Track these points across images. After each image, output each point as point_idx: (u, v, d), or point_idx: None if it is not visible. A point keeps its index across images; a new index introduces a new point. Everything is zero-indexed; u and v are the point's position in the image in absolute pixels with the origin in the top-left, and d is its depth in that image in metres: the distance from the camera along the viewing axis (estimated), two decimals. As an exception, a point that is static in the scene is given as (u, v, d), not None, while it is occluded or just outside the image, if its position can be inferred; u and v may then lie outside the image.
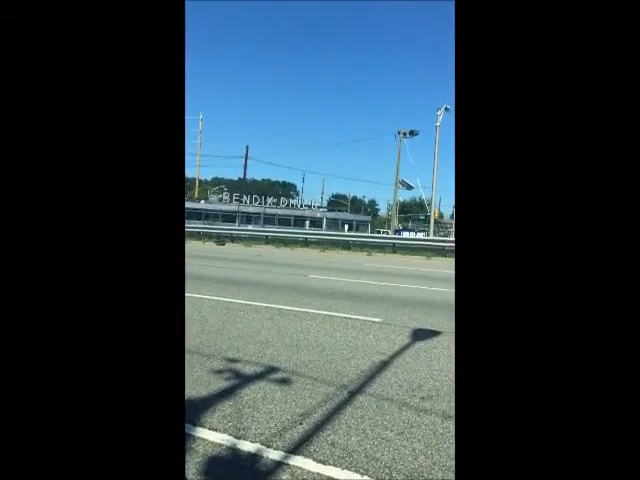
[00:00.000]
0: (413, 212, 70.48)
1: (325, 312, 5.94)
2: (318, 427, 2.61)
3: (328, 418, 2.73)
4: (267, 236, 25.13)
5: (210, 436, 2.44)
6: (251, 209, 42.01)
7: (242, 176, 50.07)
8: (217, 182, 67.85)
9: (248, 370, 3.52)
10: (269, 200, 42.90)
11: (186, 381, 3.21)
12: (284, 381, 3.34)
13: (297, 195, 64.57)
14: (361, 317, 5.75)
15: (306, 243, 23.43)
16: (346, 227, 42.17)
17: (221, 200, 44.55)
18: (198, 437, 2.42)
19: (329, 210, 48.33)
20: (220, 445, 2.36)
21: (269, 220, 40.87)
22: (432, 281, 10.23)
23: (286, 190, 71.14)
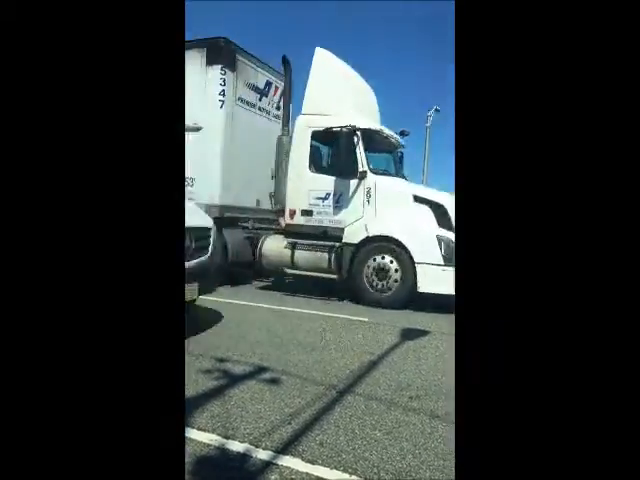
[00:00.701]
0: (402, 212, 70.34)
1: (314, 311, 5.94)
2: (307, 427, 2.61)
3: (317, 418, 2.73)
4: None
5: (198, 436, 2.43)
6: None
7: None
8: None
9: (237, 369, 3.52)
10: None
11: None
12: (273, 381, 3.33)
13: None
14: (350, 317, 5.77)
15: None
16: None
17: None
18: (186, 437, 2.41)
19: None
20: (208, 445, 2.35)
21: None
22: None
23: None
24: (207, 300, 6.21)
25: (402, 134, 9.15)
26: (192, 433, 2.46)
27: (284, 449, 2.35)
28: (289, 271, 7.19)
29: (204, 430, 2.51)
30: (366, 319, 5.67)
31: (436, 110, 25.30)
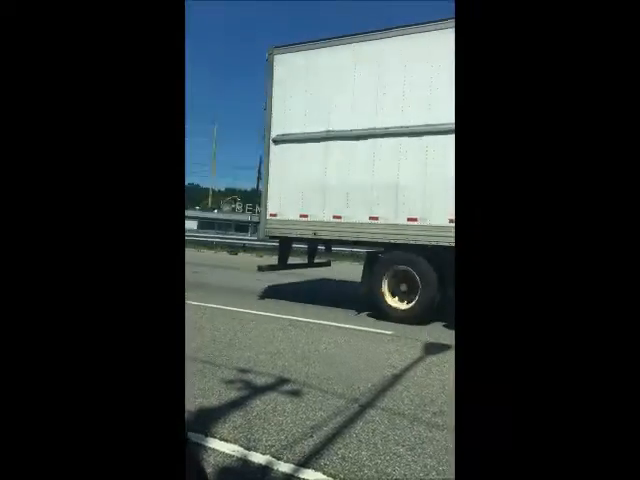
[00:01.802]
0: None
1: (335, 324, 5.92)
2: (329, 440, 2.59)
3: (339, 431, 2.71)
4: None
5: (221, 447, 2.44)
6: (265, 219, 42.30)
7: (255, 187, 50.60)
8: (231, 192, 68.61)
9: (259, 381, 3.53)
10: (282, 210, 43.08)
11: (196, 391, 3.22)
12: (295, 393, 3.33)
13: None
14: (372, 329, 5.72)
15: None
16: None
17: (234, 210, 44.96)
18: (209, 447, 2.42)
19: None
20: (231, 456, 2.36)
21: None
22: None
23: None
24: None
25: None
26: (214, 443, 2.47)
27: (306, 462, 2.33)
28: None
29: (226, 441, 2.52)
30: (389, 332, 5.61)
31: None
